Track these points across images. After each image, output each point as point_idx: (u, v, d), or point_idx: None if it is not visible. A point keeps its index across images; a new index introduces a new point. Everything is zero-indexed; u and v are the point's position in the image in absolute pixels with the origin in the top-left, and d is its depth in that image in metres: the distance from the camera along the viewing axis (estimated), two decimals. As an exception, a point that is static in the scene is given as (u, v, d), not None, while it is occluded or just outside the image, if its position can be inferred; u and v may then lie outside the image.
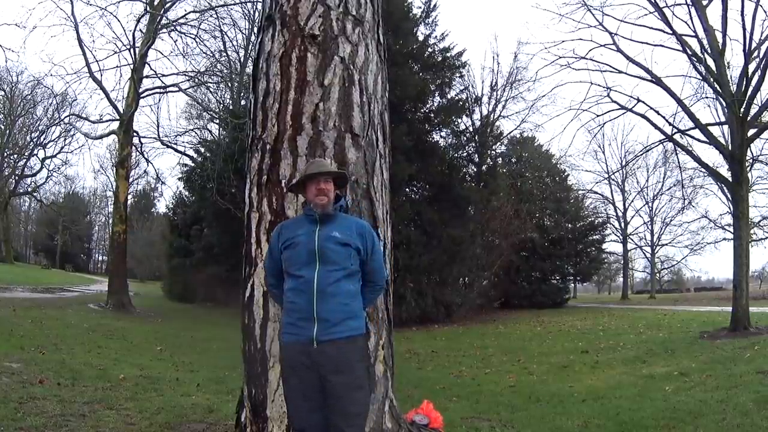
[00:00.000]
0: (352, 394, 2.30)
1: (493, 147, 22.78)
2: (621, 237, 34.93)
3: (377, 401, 2.85)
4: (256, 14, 16.22)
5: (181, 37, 16.83)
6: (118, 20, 19.64)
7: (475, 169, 20.31)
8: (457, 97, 18.83)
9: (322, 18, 2.99)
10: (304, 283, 2.29)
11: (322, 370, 2.26)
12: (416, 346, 11.04)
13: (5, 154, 30.05)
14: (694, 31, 10.59)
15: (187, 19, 16.67)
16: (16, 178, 31.57)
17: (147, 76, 16.81)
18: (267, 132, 2.98)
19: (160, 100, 20.06)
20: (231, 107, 19.48)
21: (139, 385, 5.03)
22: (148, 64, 16.77)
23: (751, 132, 10.24)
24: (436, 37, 17.78)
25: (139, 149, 18.25)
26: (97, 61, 23.68)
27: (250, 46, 19.32)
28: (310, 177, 2.44)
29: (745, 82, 9.79)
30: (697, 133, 11.44)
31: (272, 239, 2.52)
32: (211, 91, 19.59)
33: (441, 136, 18.54)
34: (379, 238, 2.79)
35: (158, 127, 19.07)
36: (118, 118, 16.19)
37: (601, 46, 11.90)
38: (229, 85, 19.86)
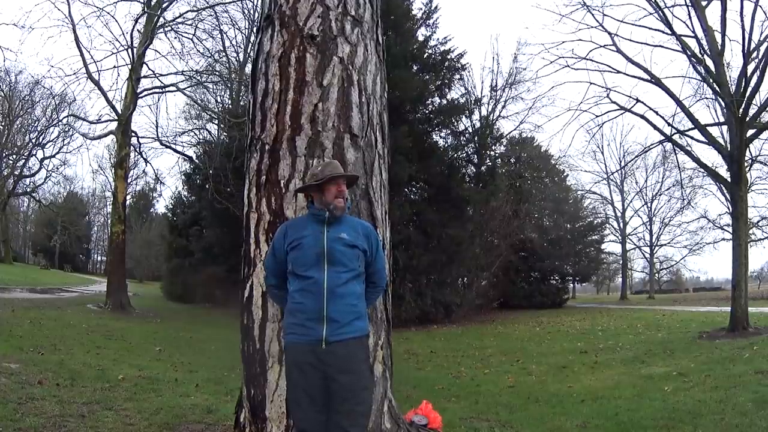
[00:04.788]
0: (358, 394, 2.31)
1: (493, 147, 22.82)
2: (620, 237, 35.05)
3: (376, 402, 2.85)
4: (256, 14, 16.24)
5: (179, 37, 16.82)
6: (116, 20, 19.71)
7: (474, 170, 20.33)
8: (456, 98, 18.86)
9: (321, 18, 2.99)
10: (313, 284, 2.30)
11: (330, 370, 2.27)
12: (415, 346, 11.04)
13: (4, 154, 30.00)
14: (693, 32, 10.62)
15: (184, 18, 16.66)
16: (15, 178, 31.50)
17: (145, 76, 16.79)
18: (266, 132, 2.97)
19: (158, 100, 20.07)
20: (230, 107, 19.46)
21: (138, 386, 5.03)
22: (146, 64, 16.77)
23: (750, 132, 10.25)
24: (437, 39, 17.82)
25: (137, 149, 18.22)
26: (95, 61, 23.54)
27: (250, 46, 19.31)
28: (332, 179, 2.43)
29: (744, 83, 9.79)
30: (696, 133, 11.47)
31: (277, 239, 2.51)
32: (209, 91, 19.57)
33: (440, 137, 18.58)
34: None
35: (157, 127, 19.15)
36: (116, 118, 16.14)
37: (601, 46, 11.91)
38: (228, 85, 19.83)
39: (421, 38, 17.53)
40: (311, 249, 2.35)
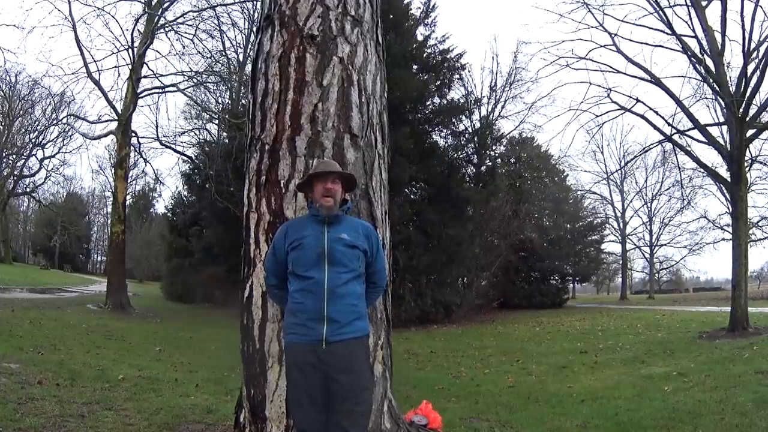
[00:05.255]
0: (358, 394, 2.32)
1: (493, 147, 22.82)
2: (620, 237, 35.04)
3: (376, 402, 2.85)
4: (256, 14, 16.22)
5: (179, 37, 16.82)
6: (116, 20, 19.62)
7: (474, 170, 20.33)
8: (456, 98, 18.87)
9: (320, 18, 2.99)
10: (313, 284, 2.30)
11: (330, 370, 2.27)
12: (415, 346, 11.04)
13: (4, 154, 30.01)
14: (694, 32, 10.62)
15: (185, 18, 16.65)
16: (15, 178, 31.52)
17: (145, 76, 16.78)
18: (266, 132, 2.97)
19: (158, 100, 20.08)
20: (230, 107, 19.45)
21: (137, 386, 5.03)
22: (146, 64, 16.76)
23: (750, 132, 10.24)
24: (436, 38, 17.82)
25: (137, 149, 18.22)
26: (95, 61, 23.60)
27: (250, 46, 19.31)
28: (318, 176, 2.44)
29: (744, 83, 9.79)
30: (696, 133, 11.47)
31: (277, 239, 2.51)
32: (209, 92, 19.57)
33: (440, 137, 18.58)
34: (378, 238, 2.80)
35: (157, 127, 19.11)
36: (116, 118, 16.13)
37: (601, 46, 11.91)
38: (228, 85, 19.83)
39: (420, 38, 17.53)
40: (312, 249, 2.35)
